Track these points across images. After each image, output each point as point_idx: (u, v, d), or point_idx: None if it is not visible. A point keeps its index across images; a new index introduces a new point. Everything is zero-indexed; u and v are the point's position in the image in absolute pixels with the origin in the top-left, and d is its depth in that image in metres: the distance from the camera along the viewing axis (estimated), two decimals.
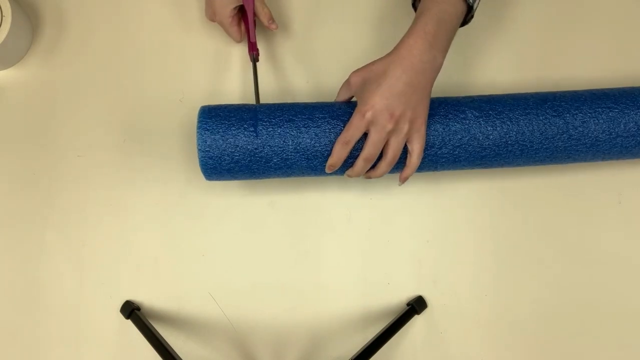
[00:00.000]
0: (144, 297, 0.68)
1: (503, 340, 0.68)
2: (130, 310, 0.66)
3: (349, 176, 0.60)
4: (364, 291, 0.68)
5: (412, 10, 0.61)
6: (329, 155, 0.58)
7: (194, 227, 0.69)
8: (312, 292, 0.68)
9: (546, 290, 0.69)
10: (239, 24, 0.67)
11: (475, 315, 0.68)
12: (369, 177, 0.60)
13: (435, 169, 0.62)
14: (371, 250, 0.69)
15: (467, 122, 0.59)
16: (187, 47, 0.71)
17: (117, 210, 0.69)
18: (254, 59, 0.67)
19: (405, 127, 0.56)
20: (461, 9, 0.57)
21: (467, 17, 0.59)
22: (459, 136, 0.59)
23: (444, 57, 0.56)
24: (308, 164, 0.59)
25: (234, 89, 0.70)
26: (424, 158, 0.60)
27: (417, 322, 0.68)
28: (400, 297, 0.69)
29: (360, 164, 0.57)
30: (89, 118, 0.70)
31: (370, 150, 0.56)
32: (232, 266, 0.68)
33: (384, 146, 0.57)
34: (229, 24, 0.66)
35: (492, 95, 0.63)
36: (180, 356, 0.61)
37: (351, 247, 0.69)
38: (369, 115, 0.55)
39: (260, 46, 0.69)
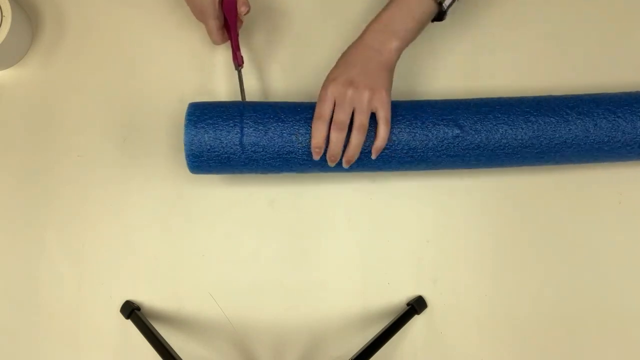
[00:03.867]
0: (144, 297, 0.68)
1: (503, 340, 0.68)
2: (130, 310, 0.66)
3: (330, 160, 0.61)
4: (364, 291, 0.68)
5: None
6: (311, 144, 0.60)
7: (194, 227, 0.69)
8: (312, 292, 0.68)
9: (546, 290, 0.69)
10: (222, 28, 0.66)
11: (475, 315, 0.68)
12: (349, 161, 0.61)
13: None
14: (371, 250, 0.69)
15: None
16: (187, 46, 0.71)
17: (117, 210, 0.69)
18: (238, 65, 0.67)
19: (365, 94, 0.58)
20: (427, 3, 0.59)
21: (442, 14, 0.61)
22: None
23: (400, 42, 0.60)
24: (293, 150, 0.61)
25: (233, 88, 0.70)
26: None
27: (417, 322, 0.68)
28: (400, 297, 0.69)
29: (333, 135, 0.59)
30: (89, 118, 0.70)
31: (339, 116, 0.58)
32: (232, 266, 0.68)
33: (352, 118, 0.59)
34: (213, 25, 0.64)
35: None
36: (180, 356, 0.61)
37: (351, 247, 0.69)
38: (330, 85, 0.59)
39: (244, 52, 0.69)
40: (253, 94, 0.71)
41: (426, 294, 0.68)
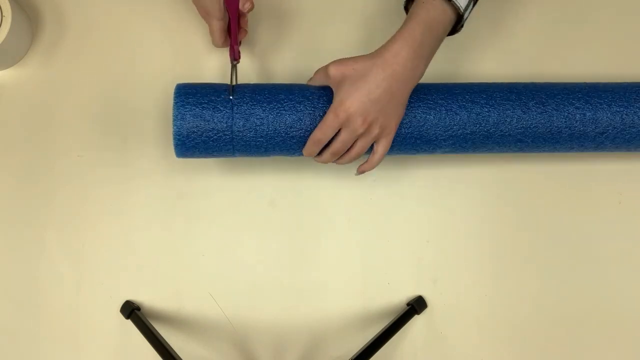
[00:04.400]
0: (144, 297, 0.68)
1: (503, 340, 0.68)
2: (130, 310, 0.66)
3: (317, 161, 0.62)
4: (364, 291, 0.68)
5: (402, 8, 0.60)
6: (303, 129, 0.60)
7: (193, 227, 0.69)
8: (312, 291, 0.68)
9: (546, 290, 0.69)
10: (225, 30, 0.66)
11: (475, 315, 0.68)
12: (335, 163, 0.62)
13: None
14: (371, 250, 0.69)
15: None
16: (188, 47, 0.71)
17: (117, 210, 0.69)
18: (234, 59, 0.66)
19: (375, 132, 0.57)
20: (450, 18, 0.57)
21: (457, 26, 0.59)
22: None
23: (426, 65, 0.57)
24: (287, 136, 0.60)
25: None
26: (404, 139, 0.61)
27: (417, 322, 0.68)
28: (400, 297, 0.69)
29: (327, 156, 0.60)
30: (89, 118, 0.70)
31: (338, 146, 0.58)
32: (232, 266, 0.68)
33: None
34: (216, 26, 0.64)
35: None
36: (180, 356, 0.61)
37: (351, 247, 0.69)
38: (343, 116, 0.56)
39: (246, 49, 0.69)
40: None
41: (426, 294, 0.68)
